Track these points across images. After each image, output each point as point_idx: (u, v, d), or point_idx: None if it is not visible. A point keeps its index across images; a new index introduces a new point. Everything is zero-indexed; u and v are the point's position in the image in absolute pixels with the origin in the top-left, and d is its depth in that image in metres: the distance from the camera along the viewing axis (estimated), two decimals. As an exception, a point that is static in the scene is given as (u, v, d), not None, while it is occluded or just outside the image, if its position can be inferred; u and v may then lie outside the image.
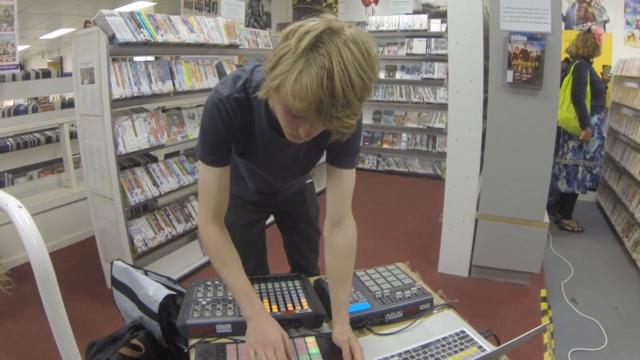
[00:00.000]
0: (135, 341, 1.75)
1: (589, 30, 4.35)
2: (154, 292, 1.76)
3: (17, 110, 4.58)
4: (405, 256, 2.24)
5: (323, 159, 1.54)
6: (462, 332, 1.51)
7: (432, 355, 1.39)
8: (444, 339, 1.48)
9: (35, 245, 1.09)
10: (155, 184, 3.47)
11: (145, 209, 3.74)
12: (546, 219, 3.51)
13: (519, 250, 3.56)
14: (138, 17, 3.22)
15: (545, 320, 3.09)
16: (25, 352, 2.86)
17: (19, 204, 1.15)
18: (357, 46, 1.01)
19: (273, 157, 1.52)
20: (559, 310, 3.33)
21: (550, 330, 2.97)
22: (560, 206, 4.98)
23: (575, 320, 3.23)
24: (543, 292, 3.41)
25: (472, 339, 1.46)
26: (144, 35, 3.20)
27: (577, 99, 4.30)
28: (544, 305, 3.25)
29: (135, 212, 3.63)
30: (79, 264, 4.01)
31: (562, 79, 4.10)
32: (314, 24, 1.03)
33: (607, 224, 5.07)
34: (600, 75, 4.67)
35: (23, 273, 3.84)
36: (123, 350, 1.72)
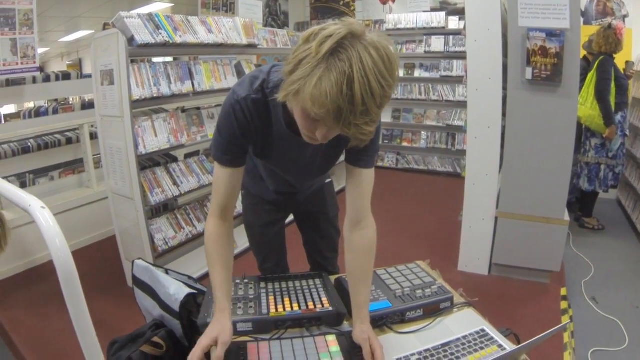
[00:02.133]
0: (156, 339, 1.77)
1: (609, 26, 4.28)
2: (175, 290, 1.77)
3: (38, 112, 4.65)
4: (425, 254, 2.23)
5: (342, 157, 1.54)
6: (482, 330, 1.50)
7: (452, 354, 1.39)
8: (464, 337, 1.47)
9: (58, 245, 1.11)
10: (175, 183, 3.49)
11: (165, 208, 3.77)
12: (566, 216, 3.48)
13: (539, 248, 3.53)
14: (156, 19, 3.25)
15: (565, 319, 3.07)
16: (47, 350, 2.90)
17: (42, 204, 1.17)
18: (377, 52, 1.00)
19: (291, 157, 1.53)
20: (579, 309, 3.30)
21: (571, 329, 2.95)
22: (581, 204, 4.93)
23: (596, 319, 3.19)
24: (563, 291, 3.39)
25: (492, 338, 1.46)
26: (163, 37, 3.22)
27: (601, 95, 4.24)
28: (564, 304, 3.23)
29: (155, 211, 3.67)
30: (99, 263, 4.05)
31: (582, 77, 4.05)
32: (336, 28, 1.02)
33: (628, 222, 5.00)
34: (622, 72, 4.60)
35: (45, 272, 3.90)
36: (144, 348, 1.73)
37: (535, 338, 1.22)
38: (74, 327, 1.14)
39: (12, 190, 1.31)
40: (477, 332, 1.50)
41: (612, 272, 3.87)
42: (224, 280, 1.45)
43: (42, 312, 3.29)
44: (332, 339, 1.48)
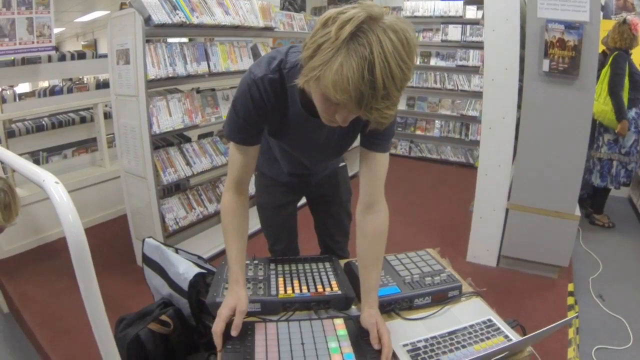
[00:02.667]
0: (164, 317, 1.79)
1: (624, 21, 4.23)
2: (185, 270, 1.78)
3: (53, 91, 4.67)
4: (435, 243, 2.24)
5: (356, 143, 1.54)
6: (489, 320, 1.51)
7: (458, 342, 1.40)
8: (470, 326, 1.48)
9: (71, 221, 1.11)
10: (188, 163, 3.50)
11: (177, 188, 3.79)
12: (577, 212, 3.45)
13: (549, 242, 3.52)
14: (174, -1, 3.24)
15: (571, 315, 3.06)
16: (56, 325, 2.93)
17: (55, 179, 1.17)
18: (396, 35, 0.99)
19: (306, 138, 1.53)
20: (585, 306, 3.29)
21: (576, 325, 2.95)
22: (592, 200, 4.90)
23: (602, 317, 3.18)
24: (570, 287, 3.38)
25: (498, 328, 1.47)
26: (180, 17, 3.21)
27: (613, 90, 4.20)
28: (570, 300, 3.23)
29: (167, 191, 3.69)
30: (110, 241, 4.08)
31: (599, 72, 4.01)
32: (355, 11, 1.01)
33: (639, 221, 4.97)
34: (639, 68, 4.55)
35: (56, 249, 3.93)
36: (152, 325, 1.75)
37: (541, 330, 1.23)
38: (84, 303, 1.15)
39: (26, 166, 1.31)
40: (484, 322, 1.50)
41: (620, 271, 3.85)
42: (239, 252, 1.48)
43: (52, 288, 3.33)
44: (339, 322, 1.48)
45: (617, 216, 4.91)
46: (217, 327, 1.33)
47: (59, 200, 1.13)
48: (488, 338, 1.42)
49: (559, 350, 2.73)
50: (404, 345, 1.39)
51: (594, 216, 4.80)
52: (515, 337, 1.42)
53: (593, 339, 2.91)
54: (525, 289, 3.47)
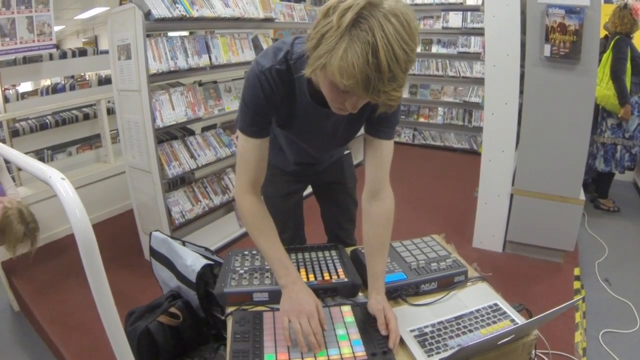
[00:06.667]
0: (173, 309, 1.80)
1: (625, 6, 4.21)
2: (192, 261, 1.79)
3: (55, 89, 4.69)
4: (440, 230, 2.24)
5: (361, 132, 1.54)
6: (496, 305, 1.52)
7: (465, 327, 1.41)
8: (477, 311, 1.49)
9: (78, 216, 1.12)
10: (192, 156, 3.51)
11: (182, 181, 3.80)
12: (582, 196, 3.45)
13: (554, 227, 3.52)
14: (173, -7, 3.24)
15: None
16: (67, 320, 2.96)
17: (62, 176, 1.18)
18: (397, 19, 1.01)
19: (314, 128, 1.54)
20: (591, 290, 3.29)
21: (583, 309, 2.96)
22: (597, 185, 4.89)
23: (608, 300, 3.19)
24: (576, 271, 3.38)
25: (505, 312, 1.48)
26: (180, 11, 3.22)
27: (616, 75, 4.19)
28: (577, 284, 3.23)
29: (172, 184, 3.70)
30: (117, 236, 4.10)
31: (600, 56, 3.99)
32: None
33: (644, 205, 4.96)
34: (640, 52, 4.52)
35: (62, 247, 3.95)
36: (161, 318, 1.77)
37: (547, 312, 1.23)
38: (93, 297, 1.16)
39: (32, 163, 1.33)
40: (490, 307, 1.51)
41: (626, 254, 3.84)
42: (285, 252, 1.50)
43: (61, 285, 3.36)
44: (347, 309, 1.50)
45: (622, 200, 4.90)
46: (318, 335, 1.33)
47: (66, 196, 1.14)
48: (494, 322, 1.43)
49: (565, 334, 2.73)
50: (411, 331, 1.40)
51: (599, 200, 4.79)
52: (521, 321, 1.42)
53: (600, 323, 2.92)
54: (531, 273, 3.48)
